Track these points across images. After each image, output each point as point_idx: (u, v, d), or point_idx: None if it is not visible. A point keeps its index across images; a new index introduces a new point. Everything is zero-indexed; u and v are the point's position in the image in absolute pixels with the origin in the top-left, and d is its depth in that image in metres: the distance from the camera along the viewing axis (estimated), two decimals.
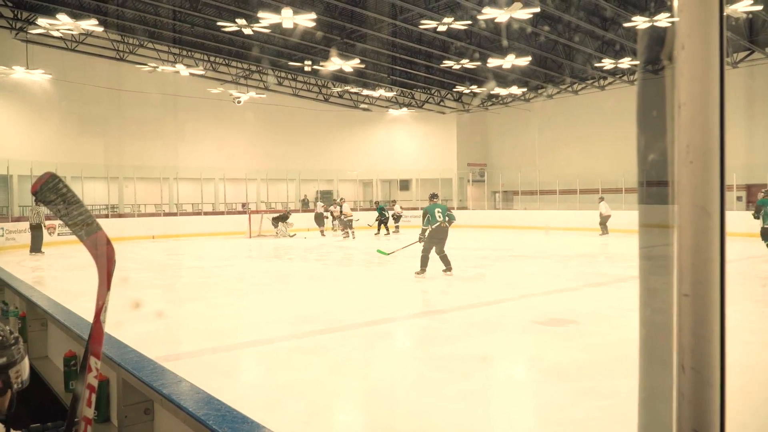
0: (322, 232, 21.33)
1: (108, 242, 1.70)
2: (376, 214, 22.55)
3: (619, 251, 14.99)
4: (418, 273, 10.27)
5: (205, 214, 24.58)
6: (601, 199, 19.90)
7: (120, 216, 23.12)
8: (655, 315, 1.04)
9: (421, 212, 11.23)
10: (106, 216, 22.26)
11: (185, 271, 12.77)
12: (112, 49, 23.58)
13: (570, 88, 26.44)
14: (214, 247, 15.48)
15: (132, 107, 23.96)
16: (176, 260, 14.51)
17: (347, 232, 20.23)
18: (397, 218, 23.47)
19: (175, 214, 23.90)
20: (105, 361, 2.44)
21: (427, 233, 10.30)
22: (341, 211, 20.81)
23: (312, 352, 5.89)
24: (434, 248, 10.28)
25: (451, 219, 10.57)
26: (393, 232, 22.42)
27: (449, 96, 29.64)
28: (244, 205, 26.10)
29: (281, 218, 21.14)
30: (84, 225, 1.75)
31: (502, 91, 26.25)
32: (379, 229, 21.98)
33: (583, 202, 24.40)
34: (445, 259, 10.30)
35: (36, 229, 15.39)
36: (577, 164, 25.36)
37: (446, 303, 8.42)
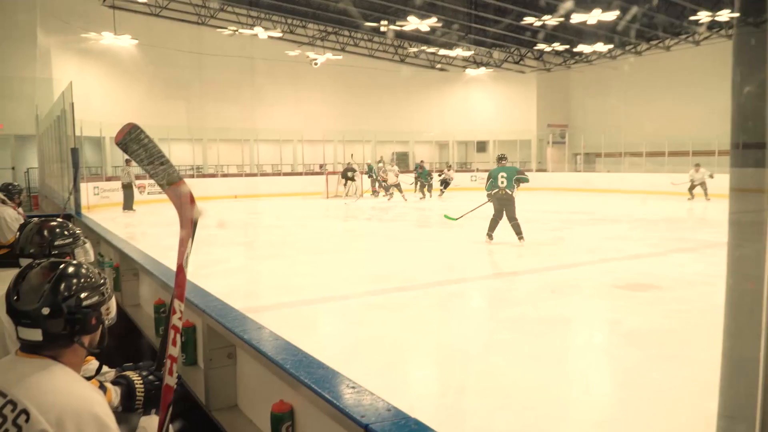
0: (402, 195, 21.11)
1: (189, 192, 1.75)
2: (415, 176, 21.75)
3: (709, 216, 14.24)
4: (487, 237, 9.74)
5: (284, 174, 25.17)
6: (698, 165, 18.71)
7: (204, 176, 24.04)
8: (744, 283, 0.99)
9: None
10: (192, 176, 23.17)
11: (265, 229, 13.20)
12: (194, 13, 24.21)
13: (661, 44, 24.91)
14: (292, 206, 15.89)
15: (213, 71, 24.67)
16: (257, 219, 15.01)
17: (390, 194, 20.45)
18: (445, 183, 22.54)
19: (255, 175, 24.61)
20: (191, 309, 2.58)
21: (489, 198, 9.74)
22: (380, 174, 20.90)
23: (386, 308, 6.00)
24: (503, 214, 9.58)
25: (522, 181, 9.61)
26: (438, 196, 21.73)
27: (529, 54, 28.62)
28: (321, 166, 26.51)
29: (347, 173, 21.27)
30: (166, 174, 1.81)
31: (587, 49, 25.03)
32: (422, 192, 21.39)
33: (672, 164, 23.21)
34: (516, 227, 9.45)
35: (127, 188, 16.36)
36: (667, 125, 24.03)
37: (521, 265, 8.32)
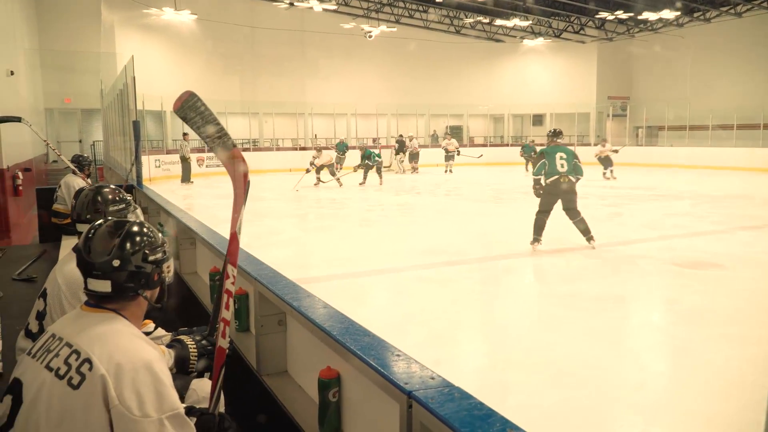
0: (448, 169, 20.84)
1: (243, 160, 1.79)
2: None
3: None
4: (532, 242, 7.29)
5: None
6: None
7: (259, 150, 24.41)
8: None
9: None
10: (248, 150, 23.58)
11: (318, 202, 13.36)
12: None
13: (732, 11, 23.56)
14: (345, 179, 15.97)
15: (269, 44, 24.89)
16: (310, 192, 15.18)
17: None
18: (413, 156, 21.23)
19: (309, 148, 24.84)
20: (244, 276, 2.65)
21: (541, 185, 7.34)
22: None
23: (436, 282, 6.00)
24: (559, 208, 7.36)
25: (579, 172, 7.19)
26: (412, 172, 20.70)
27: (590, 23, 27.58)
28: (374, 140, 26.50)
29: (399, 148, 21.07)
30: (221, 142, 1.84)
31: (652, 16, 23.93)
32: (364, 177, 16.87)
33: (740, 138, 22.12)
34: (581, 225, 7.24)
35: (184, 161, 16.86)
36: (736, 97, 22.83)
37: (576, 241, 8.14)
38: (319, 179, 15.84)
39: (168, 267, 1.63)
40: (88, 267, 1.50)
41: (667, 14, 23.43)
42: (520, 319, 4.88)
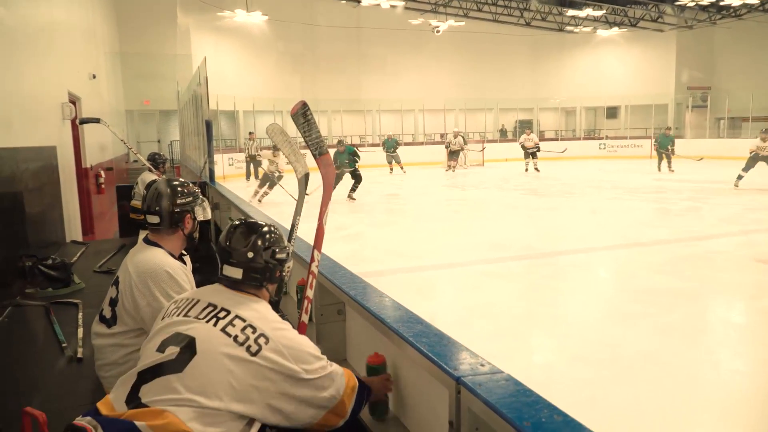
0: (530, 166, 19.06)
1: (331, 163, 2.26)
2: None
3: None
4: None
5: (405, 144, 25.33)
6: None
7: (329, 146, 24.77)
8: None
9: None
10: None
11: (385, 197, 13.44)
12: None
13: None
14: (412, 175, 15.98)
15: (335, 43, 25.23)
16: (377, 188, 15.30)
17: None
18: (453, 154, 19.50)
19: (377, 145, 25.00)
20: (305, 267, 2.72)
21: None
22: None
23: (503, 277, 5.94)
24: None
25: None
26: (447, 169, 19.27)
27: (669, 11, 26.37)
28: (442, 135, 26.37)
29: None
30: (318, 146, 2.27)
31: (735, 1, 22.66)
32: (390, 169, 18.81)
33: None
34: None
35: (254, 159, 17.17)
36: None
37: (650, 236, 7.84)
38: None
39: (289, 268, 1.86)
40: (226, 255, 1.75)
41: None
42: (588, 314, 4.77)
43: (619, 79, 28.18)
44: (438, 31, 25.94)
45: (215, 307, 1.65)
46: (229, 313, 1.62)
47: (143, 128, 22.65)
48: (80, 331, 3.34)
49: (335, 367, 1.69)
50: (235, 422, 1.50)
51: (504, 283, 5.72)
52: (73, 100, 8.08)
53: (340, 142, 12.29)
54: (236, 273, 1.72)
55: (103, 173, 10.29)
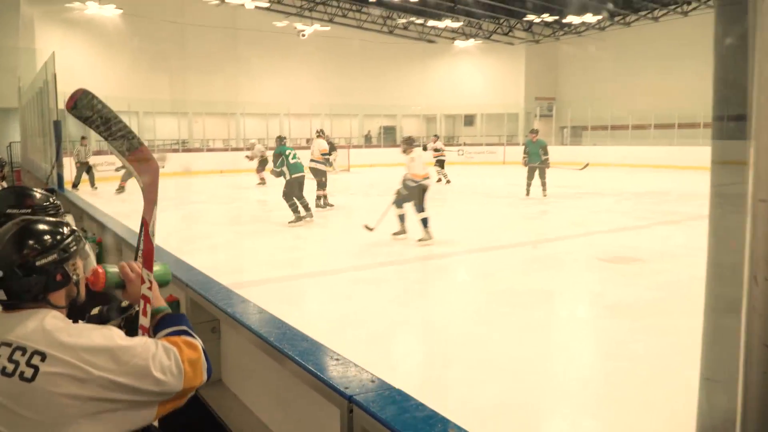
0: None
1: (151, 157, 1.67)
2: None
3: (694, 189, 14.36)
4: None
5: (271, 149, 24.92)
6: None
7: (189, 151, 23.77)
8: (726, 256, 1.01)
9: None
10: (177, 150, 22.90)
11: (251, 204, 13.14)
12: None
13: (650, 15, 24.78)
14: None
15: (199, 42, 24.22)
16: (242, 194, 14.91)
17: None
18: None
19: (241, 149, 24.32)
20: (175, 283, 2.56)
21: None
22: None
23: (372, 283, 6.02)
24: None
25: None
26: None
27: (518, 26, 28.38)
28: (308, 140, 26.29)
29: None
30: (125, 140, 1.68)
31: (576, 20, 24.90)
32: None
33: (657, 138, 23.29)
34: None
35: (83, 165, 15.34)
36: (654, 98, 24.00)
37: (506, 239, 8.35)
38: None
39: (75, 265, 1.50)
40: None
41: (590, 18, 24.41)
42: (454, 316, 4.96)
43: (475, 89, 29.80)
44: (303, 35, 25.85)
45: None
46: None
47: None
48: None
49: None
50: None
51: (374, 289, 5.80)
52: None
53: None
54: None
55: None
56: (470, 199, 13.01)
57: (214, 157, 22.84)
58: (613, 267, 6.48)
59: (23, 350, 1.31)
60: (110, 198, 13.84)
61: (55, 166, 7.23)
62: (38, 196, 2.29)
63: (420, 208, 7.77)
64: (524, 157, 12.69)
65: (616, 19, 25.69)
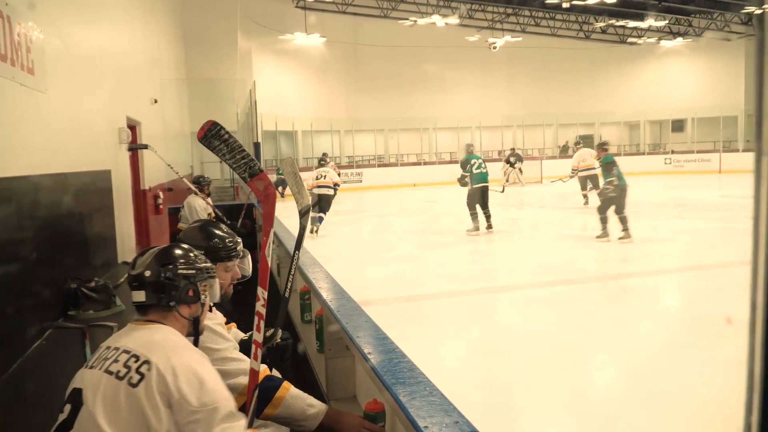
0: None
1: (270, 184, 1.79)
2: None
3: None
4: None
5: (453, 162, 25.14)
6: None
7: (385, 165, 24.83)
8: None
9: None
10: (374, 166, 24.06)
11: (438, 217, 13.28)
12: (377, 7, 25.07)
13: None
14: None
15: (395, 62, 25.40)
16: (431, 207, 15.15)
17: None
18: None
19: (434, 163, 24.87)
20: (318, 297, 2.64)
21: None
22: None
23: (550, 303, 5.70)
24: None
25: None
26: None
27: (736, 19, 25.23)
28: (500, 152, 26.01)
29: (510, 158, 20.08)
30: (247, 168, 1.85)
31: None
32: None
33: None
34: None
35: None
36: None
37: (712, 259, 7.40)
38: None
39: (206, 286, 1.65)
40: (129, 281, 1.63)
41: None
42: (647, 344, 4.49)
43: (685, 91, 27.12)
44: (495, 48, 25.72)
45: (109, 348, 1.54)
46: (117, 349, 1.50)
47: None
48: None
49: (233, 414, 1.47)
50: None
51: (550, 309, 5.49)
52: (133, 125, 8.37)
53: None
54: (139, 296, 1.59)
55: (161, 194, 10.59)
56: (673, 212, 11.79)
57: (408, 171, 23.61)
58: None
59: (137, 358, 1.45)
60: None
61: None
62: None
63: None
64: None
65: None
